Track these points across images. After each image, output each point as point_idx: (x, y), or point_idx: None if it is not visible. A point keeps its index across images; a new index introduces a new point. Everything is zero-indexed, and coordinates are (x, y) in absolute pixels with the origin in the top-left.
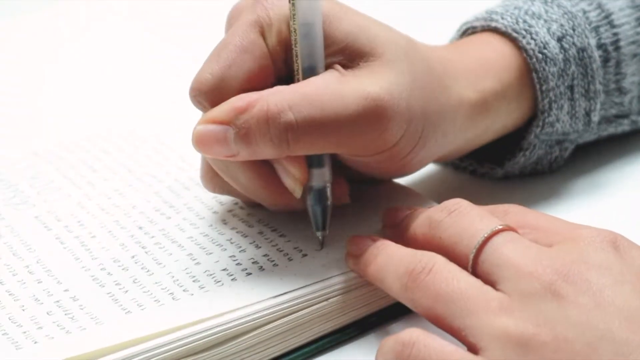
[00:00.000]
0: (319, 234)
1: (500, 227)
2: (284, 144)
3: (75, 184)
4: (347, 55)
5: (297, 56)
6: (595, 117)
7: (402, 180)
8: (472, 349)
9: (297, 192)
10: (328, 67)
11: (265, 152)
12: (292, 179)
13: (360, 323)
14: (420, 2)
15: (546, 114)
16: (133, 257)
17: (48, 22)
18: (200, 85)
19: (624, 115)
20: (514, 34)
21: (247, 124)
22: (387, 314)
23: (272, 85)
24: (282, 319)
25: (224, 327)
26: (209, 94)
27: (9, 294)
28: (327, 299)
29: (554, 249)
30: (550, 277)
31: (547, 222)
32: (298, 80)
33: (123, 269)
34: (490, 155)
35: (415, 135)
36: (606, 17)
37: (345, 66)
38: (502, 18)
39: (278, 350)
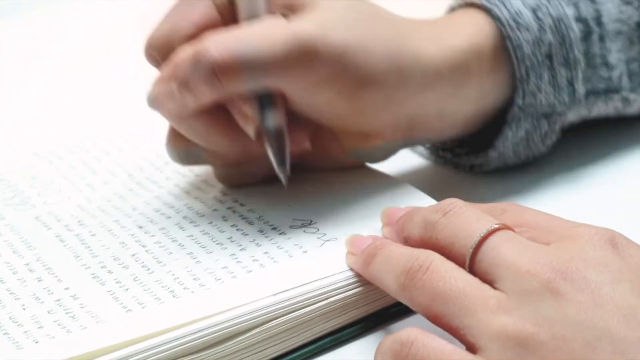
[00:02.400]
0: (279, 170)
1: (497, 226)
2: (216, 81)
3: (75, 186)
4: (289, 7)
5: (238, 7)
6: (579, 87)
7: (400, 178)
8: (471, 348)
9: (251, 131)
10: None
11: (204, 93)
12: (245, 118)
13: (360, 323)
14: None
15: (525, 83)
16: (133, 255)
17: (48, 22)
18: (152, 41)
19: (614, 90)
20: (488, 5)
21: (183, 71)
22: (387, 314)
23: None
24: (282, 317)
25: (225, 325)
26: (159, 48)
27: (10, 293)
28: (327, 298)
29: (552, 247)
30: (548, 275)
31: (544, 220)
32: None
33: (123, 267)
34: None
35: (356, 71)
36: None
37: (287, 17)
38: None
39: (278, 350)
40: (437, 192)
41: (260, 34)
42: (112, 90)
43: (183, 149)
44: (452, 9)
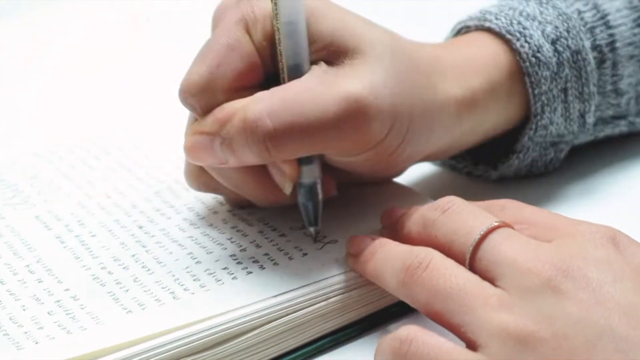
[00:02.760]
0: (311, 229)
1: (496, 223)
2: (265, 152)
3: (75, 183)
4: (331, 52)
5: (281, 55)
6: (590, 119)
7: (401, 180)
8: (471, 345)
9: (287, 188)
10: (313, 64)
11: (250, 159)
12: (282, 176)
13: (360, 323)
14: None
15: (539, 117)
16: (133, 256)
17: (48, 22)
18: (189, 88)
19: (621, 117)
20: (508, 36)
21: (229, 134)
22: (387, 314)
23: (262, 82)
24: (282, 318)
25: (225, 326)
26: (198, 96)
27: (10, 294)
28: (327, 299)
29: (553, 244)
30: (549, 273)
31: (544, 217)
32: (284, 79)
33: (124, 268)
34: (486, 156)
35: (400, 133)
36: (602, 17)
37: (330, 63)
38: (496, 18)
39: (278, 350)
40: (436, 193)
41: (310, 98)
42: (112, 90)
43: (204, 183)
44: (466, 27)
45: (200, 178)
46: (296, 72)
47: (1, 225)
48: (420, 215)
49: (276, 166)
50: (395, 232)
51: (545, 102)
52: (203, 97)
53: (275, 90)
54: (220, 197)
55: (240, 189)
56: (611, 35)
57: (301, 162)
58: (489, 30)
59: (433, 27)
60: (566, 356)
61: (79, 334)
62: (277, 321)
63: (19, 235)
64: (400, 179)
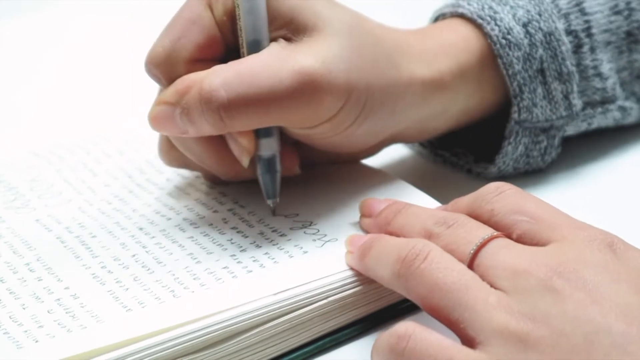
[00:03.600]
0: (269, 202)
1: (496, 234)
2: (219, 121)
3: (76, 189)
4: (291, 29)
5: (241, 30)
6: (575, 100)
7: (401, 180)
8: (470, 342)
9: (245, 161)
10: (273, 40)
11: (207, 129)
12: (239, 148)
13: (360, 322)
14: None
15: (519, 98)
16: (134, 255)
17: (48, 22)
18: (152, 59)
19: (610, 100)
20: (479, 20)
21: (188, 104)
22: (387, 314)
23: (223, 56)
24: (283, 317)
25: (226, 324)
26: (161, 67)
27: (10, 292)
28: (326, 297)
29: (550, 248)
30: (545, 274)
31: (546, 212)
32: (243, 54)
33: (124, 268)
34: (486, 154)
35: (357, 108)
36: (577, 4)
37: (290, 40)
38: (469, 4)
39: (279, 349)
40: (437, 192)
41: (265, 71)
42: (112, 90)
43: (175, 156)
44: (442, 15)
45: (171, 153)
46: (255, 48)
47: (2, 227)
48: (422, 226)
49: (233, 138)
50: (377, 224)
51: (522, 82)
52: (165, 68)
53: (232, 63)
54: (219, 197)
55: (203, 162)
56: (587, 21)
57: (259, 135)
58: (462, 16)
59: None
60: (565, 353)
61: (79, 333)
62: (278, 320)
63: (19, 236)
64: (399, 175)
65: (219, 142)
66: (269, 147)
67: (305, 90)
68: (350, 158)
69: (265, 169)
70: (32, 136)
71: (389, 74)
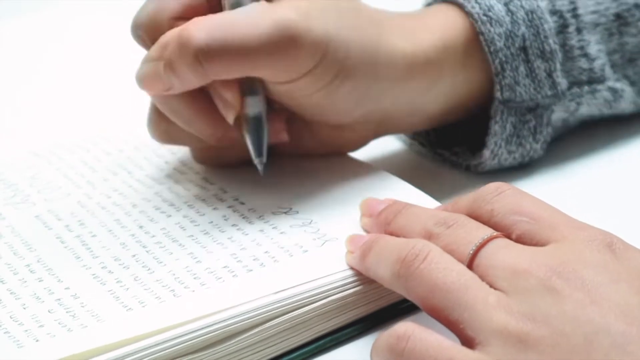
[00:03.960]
0: (257, 161)
1: (495, 234)
2: (199, 66)
3: (75, 183)
4: None
5: None
6: (559, 79)
7: (401, 180)
8: (469, 342)
9: (230, 118)
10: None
11: (188, 77)
12: (225, 104)
13: (360, 322)
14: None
15: (501, 76)
16: (134, 255)
17: (48, 22)
18: (137, 20)
19: (598, 81)
20: (461, 1)
21: (169, 54)
22: (387, 314)
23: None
24: (282, 316)
25: (226, 323)
26: (145, 28)
27: (10, 293)
28: (327, 297)
29: (549, 248)
30: (544, 274)
31: (545, 212)
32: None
33: (124, 267)
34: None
35: (334, 64)
36: None
37: (271, 1)
38: None
39: (279, 349)
40: (438, 191)
41: (244, 21)
42: (112, 90)
43: (164, 128)
44: (429, 4)
45: (160, 126)
46: (237, 7)
47: (2, 225)
48: (422, 226)
49: (219, 94)
50: (377, 224)
51: (504, 59)
52: (150, 29)
53: (212, 15)
54: (219, 193)
55: (190, 125)
56: (572, 2)
57: (245, 93)
58: (446, 1)
59: None
60: (565, 354)
61: (80, 332)
62: (278, 319)
63: (20, 236)
64: (402, 178)
65: (205, 102)
66: (255, 104)
67: (283, 39)
68: (336, 145)
69: (252, 127)
70: (32, 136)
71: (369, 41)
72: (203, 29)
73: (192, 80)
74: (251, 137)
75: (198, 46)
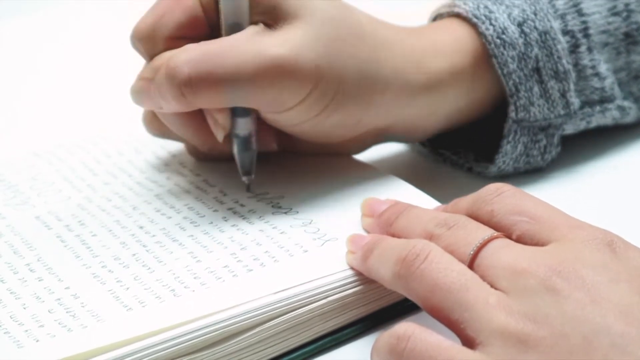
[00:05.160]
0: (245, 179)
1: (495, 234)
2: (182, 98)
3: (75, 186)
4: (272, 16)
5: (221, 12)
6: (572, 99)
7: (402, 179)
8: (469, 342)
9: (220, 136)
10: (254, 23)
11: (173, 104)
12: (215, 124)
13: (360, 322)
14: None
15: (515, 97)
16: (134, 255)
17: (48, 22)
18: (136, 33)
19: (609, 100)
20: (474, 20)
21: (159, 80)
22: (387, 314)
23: (207, 35)
24: (283, 316)
25: (226, 322)
26: (143, 41)
27: (10, 292)
28: (327, 297)
29: (549, 248)
30: (544, 273)
31: (546, 212)
32: (222, 36)
33: (124, 267)
34: (486, 153)
35: (325, 97)
36: (574, 5)
37: (270, 26)
38: (465, 3)
39: (279, 349)
40: (438, 191)
41: (230, 53)
42: (112, 90)
43: (157, 126)
44: (440, 15)
45: (153, 123)
46: (234, 31)
47: (2, 225)
48: (423, 228)
49: (210, 113)
50: (378, 225)
51: (517, 80)
52: (147, 43)
53: (203, 43)
54: (219, 196)
55: (182, 133)
56: (584, 22)
57: (236, 114)
58: (458, 15)
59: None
60: (564, 354)
61: (80, 332)
62: (278, 319)
63: (20, 235)
64: (402, 178)
65: (196, 116)
66: (245, 126)
67: (270, 74)
68: (332, 150)
69: (241, 147)
70: (32, 136)
71: (367, 68)
72: (189, 61)
73: (175, 108)
74: (240, 157)
75: (182, 80)
